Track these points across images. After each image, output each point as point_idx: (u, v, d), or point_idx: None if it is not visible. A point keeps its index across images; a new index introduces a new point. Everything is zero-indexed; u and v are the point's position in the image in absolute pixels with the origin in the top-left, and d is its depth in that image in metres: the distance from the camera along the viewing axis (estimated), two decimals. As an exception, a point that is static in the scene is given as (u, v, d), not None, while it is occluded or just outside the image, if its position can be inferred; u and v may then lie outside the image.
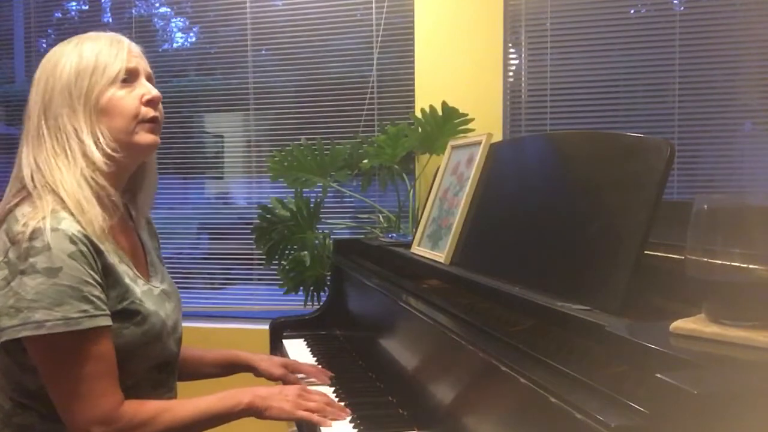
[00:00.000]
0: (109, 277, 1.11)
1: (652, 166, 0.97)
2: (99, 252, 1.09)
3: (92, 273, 1.07)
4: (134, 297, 1.14)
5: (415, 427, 1.21)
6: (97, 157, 1.13)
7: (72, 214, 1.08)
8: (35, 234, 1.04)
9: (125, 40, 1.21)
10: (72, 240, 1.05)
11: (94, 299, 1.06)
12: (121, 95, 1.16)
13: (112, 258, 1.12)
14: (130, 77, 1.17)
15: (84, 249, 1.06)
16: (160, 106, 1.21)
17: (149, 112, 1.18)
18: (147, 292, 1.19)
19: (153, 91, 1.19)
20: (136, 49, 1.22)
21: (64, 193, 1.10)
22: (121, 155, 1.16)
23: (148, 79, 1.21)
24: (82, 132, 1.13)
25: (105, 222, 1.12)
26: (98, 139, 1.14)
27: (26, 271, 1.03)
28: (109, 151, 1.14)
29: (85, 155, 1.12)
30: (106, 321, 1.07)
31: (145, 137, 1.18)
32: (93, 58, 1.16)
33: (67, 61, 1.16)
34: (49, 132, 1.14)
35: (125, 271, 1.15)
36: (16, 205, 1.12)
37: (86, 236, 1.07)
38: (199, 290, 3.05)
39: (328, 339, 1.91)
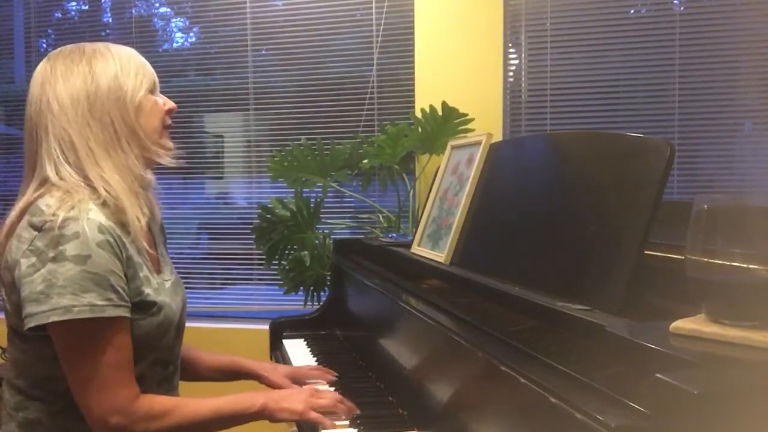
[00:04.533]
0: (129, 269, 1.13)
1: (652, 166, 0.97)
2: (123, 244, 1.12)
3: (118, 263, 1.10)
4: (150, 289, 1.16)
5: (415, 427, 1.21)
6: (151, 146, 1.21)
7: (108, 199, 1.12)
8: (65, 223, 1.06)
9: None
10: (101, 230, 1.08)
11: (119, 289, 1.09)
12: (155, 101, 1.25)
13: (132, 250, 1.15)
14: (155, 89, 1.26)
15: (111, 239, 1.09)
16: None
17: (167, 120, 1.28)
18: (161, 285, 1.21)
19: (171, 102, 1.29)
20: None
21: (114, 180, 1.14)
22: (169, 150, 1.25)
23: None
24: (133, 124, 1.19)
25: (144, 217, 1.17)
26: (145, 132, 1.21)
27: (56, 258, 1.05)
28: (154, 144, 1.22)
29: (138, 143, 1.19)
30: (127, 312, 1.10)
31: (167, 142, 1.27)
32: (132, 65, 1.21)
33: (107, 58, 1.19)
34: (100, 125, 1.16)
35: (143, 264, 1.17)
36: (38, 197, 1.13)
37: (113, 227, 1.10)
38: (199, 290, 3.04)
39: (328, 339, 1.91)
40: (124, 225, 1.14)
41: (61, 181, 1.13)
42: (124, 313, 1.09)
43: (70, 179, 1.12)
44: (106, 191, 1.13)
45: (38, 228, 1.08)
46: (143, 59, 1.25)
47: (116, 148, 1.17)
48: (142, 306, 1.14)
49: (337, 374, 1.51)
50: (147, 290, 1.15)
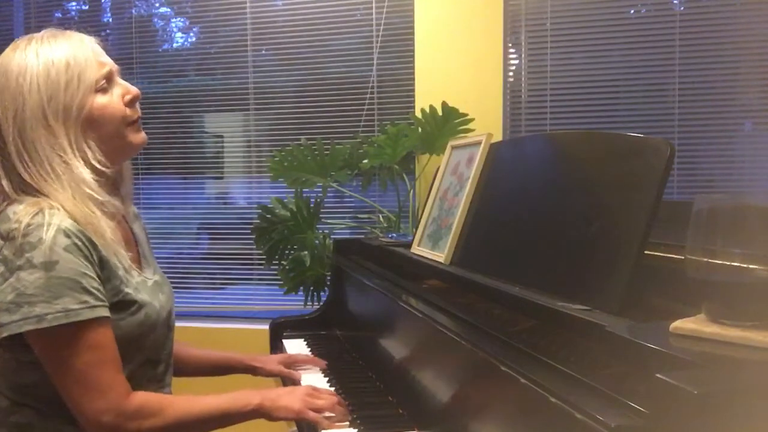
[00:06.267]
0: (104, 270, 1.10)
1: (652, 166, 0.97)
2: (93, 245, 1.09)
3: (89, 265, 1.07)
4: (129, 288, 1.14)
5: (415, 427, 1.21)
6: (87, 176, 1.11)
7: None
8: (29, 230, 1.04)
9: (86, 39, 1.17)
10: (66, 234, 1.05)
11: (93, 290, 1.06)
12: (105, 102, 1.15)
13: (107, 251, 1.12)
14: (107, 80, 1.16)
15: (78, 242, 1.06)
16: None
17: (134, 114, 1.19)
18: (141, 283, 1.19)
19: (132, 90, 1.19)
20: (98, 46, 1.18)
21: (67, 209, 1.08)
22: (111, 166, 1.15)
23: (118, 73, 1.20)
24: (66, 153, 1.10)
25: (114, 231, 1.13)
26: (86, 155, 1.12)
27: (23, 266, 1.03)
28: (98, 165, 1.13)
29: (74, 176, 1.10)
30: (106, 312, 1.08)
31: (135, 137, 1.19)
32: (63, 68, 1.10)
33: (33, 76, 1.09)
34: (31, 157, 1.09)
35: (119, 263, 1.14)
36: (8, 205, 1.10)
37: (80, 230, 1.07)
38: (199, 290, 3.05)
39: (328, 339, 1.91)
40: (110, 243, 1.11)
41: (24, 195, 1.09)
42: (102, 312, 1.07)
43: (32, 198, 1.09)
44: (73, 214, 1.08)
45: (4, 236, 1.06)
46: (78, 44, 1.13)
47: (56, 182, 1.09)
48: (122, 305, 1.12)
49: (326, 362, 1.56)
50: (126, 289, 1.13)
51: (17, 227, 1.04)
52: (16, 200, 1.10)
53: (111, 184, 1.21)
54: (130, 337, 1.14)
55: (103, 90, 1.15)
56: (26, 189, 1.10)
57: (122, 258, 1.15)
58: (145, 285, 1.20)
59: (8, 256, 1.05)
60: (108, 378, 1.07)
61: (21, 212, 1.06)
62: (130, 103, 1.18)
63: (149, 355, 1.20)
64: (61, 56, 1.12)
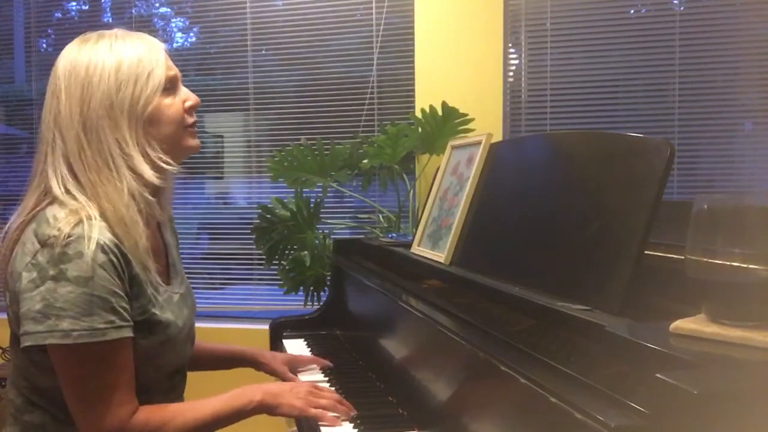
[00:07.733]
0: (133, 288, 1.10)
1: (652, 166, 0.97)
2: (128, 262, 1.08)
3: (120, 282, 1.06)
4: (156, 308, 1.14)
5: (415, 427, 1.21)
6: (146, 171, 1.11)
7: (108, 223, 1.07)
8: (68, 240, 1.02)
9: (158, 43, 1.19)
10: (104, 249, 1.04)
11: (121, 310, 1.06)
12: (168, 103, 1.16)
13: (138, 268, 1.11)
14: (171, 85, 1.18)
15: (114, 259, 1.05)
16: None
17: (191, 119, 1.20)
18: (168, 300, 1.18)
19: (193, 97, 1.21)
20: (165, 52, 1.21)
21: (109, 209, 1.07)
22: (170, 164, 1.15)
23: (180, 80, 1.22)
24: (127, 145, 1.10)
25: (148, 240, 1.13)
26: (145, 151, 1.12)
27: (57, 277, 1.02)
28: (159, 163, 1.13)
29: (132, 170, 1.10)
30: (130, 332, 1.07)
31: (191, 141, 1.20)
32: (135, 64, 1.12)
33: (105, 67, 1.10)
34: (91, 146, 1.09)
35: (148, 280, 1.13)
36: (48, 204, 1.09)
37: (117, 246, 1.06)
38: (199, 290, 3.04)
39: (328, 339, 1.91)
40: (143, 252, 1.11)
41: (67, 196, 1.08)
42: (126, 333, 1.06)
43: (73, 202, 1.07)
44: (113, 216, 1.07)
45: (42, 241, 1.04)
46: (150, 46, 1.16)
47: (113, 173, 1.09)
48: (147, 325, 1.12)
49: (331, 364, 1.56)
50: (153, 309, 1.13)
51: (57, 235, 1.03)
52: (57, 200, 1.08)
53: (154, 189, 1.19)
54: (151, 355, 1.14)
55: (168, 92, 1.17)
56: (71, 188, 1.09)
57: (150, 273, 1.14)
58: (171, 301, 1.19)
59: (42, 263, 1.03)
60: (119, 397, 1.06)
61: (62, 220, 1.05)
62: (189, 110, 1.20)
63: (169, 369, 1.20)
64: (133, 52, 1.14)
